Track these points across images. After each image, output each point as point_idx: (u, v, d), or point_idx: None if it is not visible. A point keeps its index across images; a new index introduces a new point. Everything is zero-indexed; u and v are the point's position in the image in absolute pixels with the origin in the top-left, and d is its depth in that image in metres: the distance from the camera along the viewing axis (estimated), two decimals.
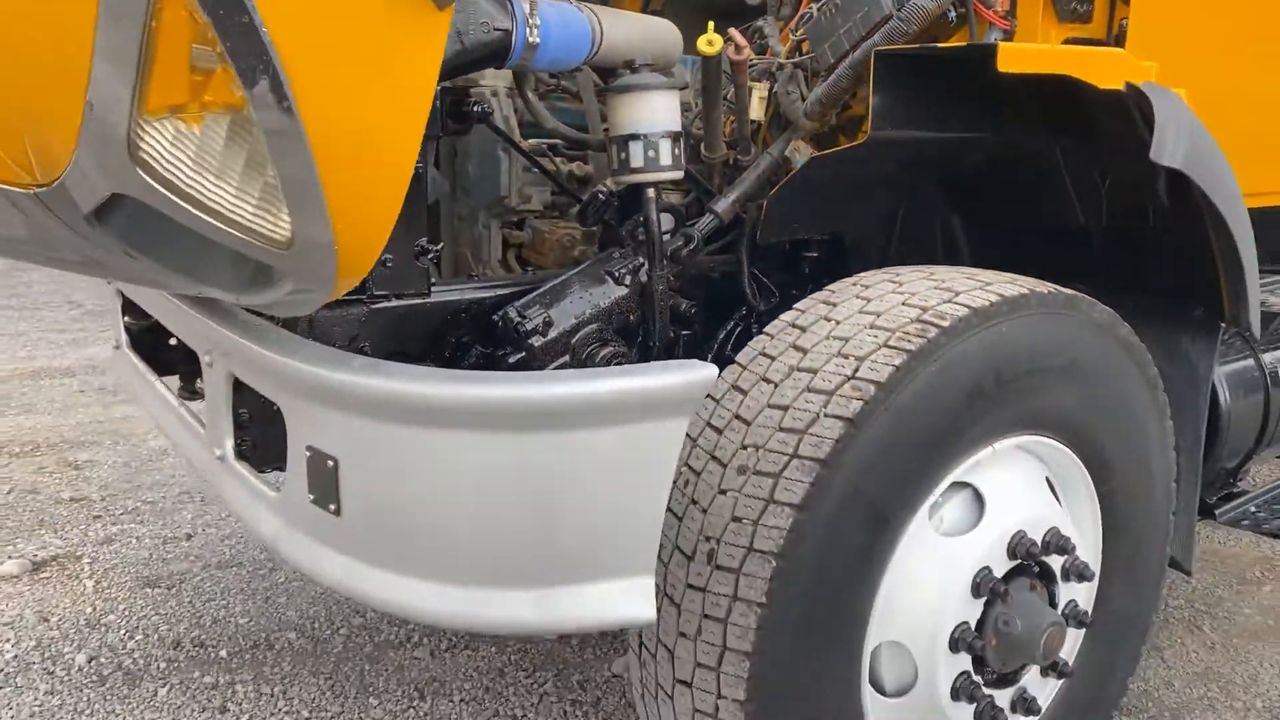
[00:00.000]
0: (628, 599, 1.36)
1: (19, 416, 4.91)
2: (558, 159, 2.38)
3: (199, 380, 2.02)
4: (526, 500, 1.30)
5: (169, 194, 1.09)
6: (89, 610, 3.04)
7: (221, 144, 1.07)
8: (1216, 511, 2.42)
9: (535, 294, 1.95)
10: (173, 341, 2.54)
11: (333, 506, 1.41)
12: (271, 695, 2.63)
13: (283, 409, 1.50)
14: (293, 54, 1.00)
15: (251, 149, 1.08)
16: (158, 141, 1.06)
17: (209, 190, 1.09)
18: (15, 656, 2.79)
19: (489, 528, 1.32)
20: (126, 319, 2.51)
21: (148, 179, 1.08)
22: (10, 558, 3.34)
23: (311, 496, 1.45)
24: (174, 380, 2.48)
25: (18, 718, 2.52)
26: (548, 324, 1.92)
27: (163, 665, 2.76)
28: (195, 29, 0.99)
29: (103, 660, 2.78)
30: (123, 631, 2.92)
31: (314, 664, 2.77)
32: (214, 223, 1.12)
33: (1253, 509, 2.45)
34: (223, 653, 2.82)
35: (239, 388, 1.75)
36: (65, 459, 4.32)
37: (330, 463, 1.39)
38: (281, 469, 1.75)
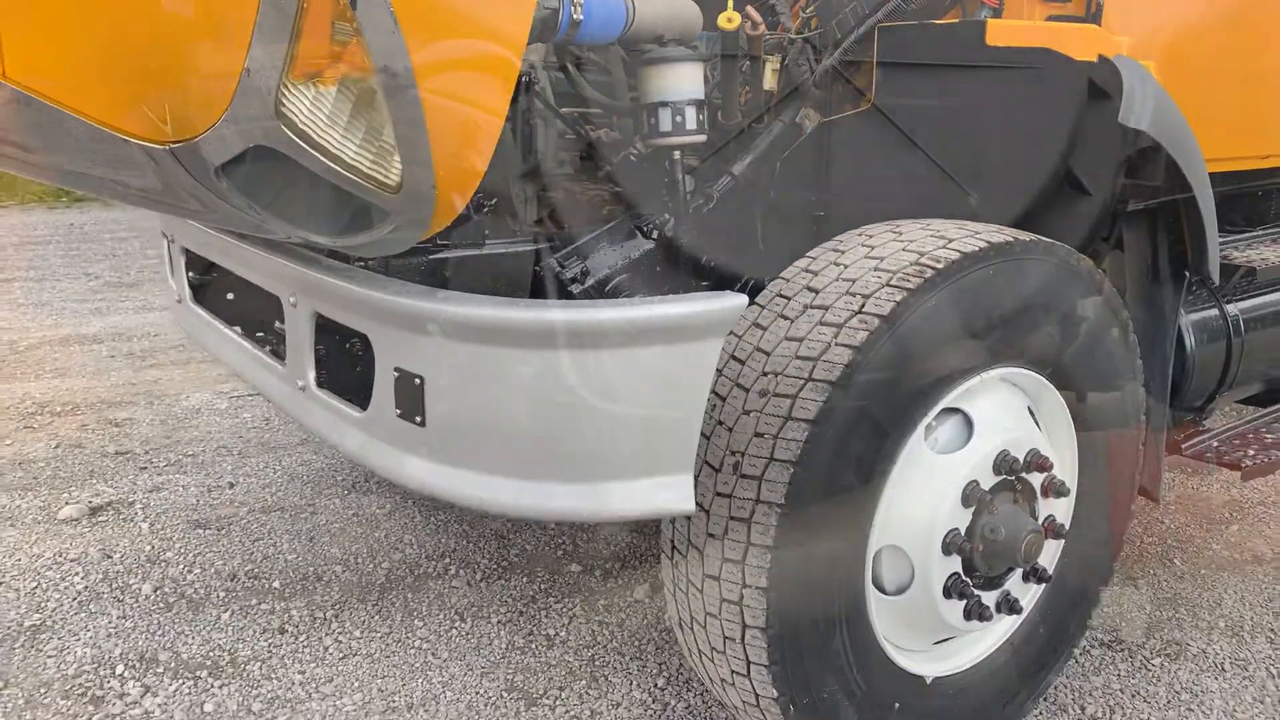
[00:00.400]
0: (672, 492, 1.61)
1: (54, 380, 5.13)
2: (587, 125, 2.61)
3: (278, 323, 2.24)
4: (590, 407, 1.54)
5: (305, 145, 1.33)
6: (147, 548, 3.28)
7: (351, 105, 1.31)
8: (1183, 446, 2.68)
9: (572, 247, 2.19)
10: (230, 296, 2.78)
11: (418, 419, 1.65)
12: (325, 619, 2.88)
13: (371, 337, 1.74)
14: (414, 32, 1.23)
15: (375, 109, 1.31)
16: (300, 102, 1.29)
17: (338, 142, 1.33)
18: (86, 587, 3.04)
19: (555, 432, 1.57)
20: (190, 275, 2.74)
21: (289, 133, 1.31)
22: (68, 504, 3.59)
23: (398, 411, 1.69)
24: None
25: (96, 638, 2.77)
26: (585, 273, 2.16)
27: (222, 594, 3.01)
28: (337, 9, 1.22)
29: (166, 590, 3.03)
30: (181, 566, 3.17)
31: (360, 593, 3.02)
32: (340, 170, 1.35)
33: (1215, 444, 2.70)
34: (275, 584, 3.07)
35: (318, 327, 1.99)
36: (105, 417, 4.56)
37: (417, 380, 1.63)
38: (349, 400, 2.00)
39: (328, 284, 1.80)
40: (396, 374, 1.68)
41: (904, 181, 2.55)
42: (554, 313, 1.55)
